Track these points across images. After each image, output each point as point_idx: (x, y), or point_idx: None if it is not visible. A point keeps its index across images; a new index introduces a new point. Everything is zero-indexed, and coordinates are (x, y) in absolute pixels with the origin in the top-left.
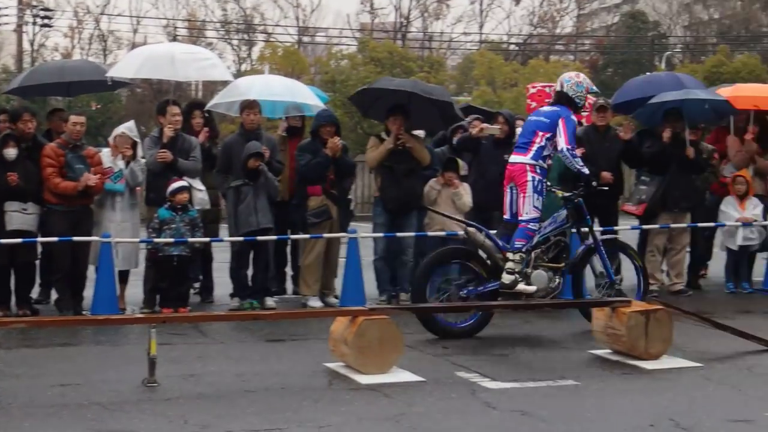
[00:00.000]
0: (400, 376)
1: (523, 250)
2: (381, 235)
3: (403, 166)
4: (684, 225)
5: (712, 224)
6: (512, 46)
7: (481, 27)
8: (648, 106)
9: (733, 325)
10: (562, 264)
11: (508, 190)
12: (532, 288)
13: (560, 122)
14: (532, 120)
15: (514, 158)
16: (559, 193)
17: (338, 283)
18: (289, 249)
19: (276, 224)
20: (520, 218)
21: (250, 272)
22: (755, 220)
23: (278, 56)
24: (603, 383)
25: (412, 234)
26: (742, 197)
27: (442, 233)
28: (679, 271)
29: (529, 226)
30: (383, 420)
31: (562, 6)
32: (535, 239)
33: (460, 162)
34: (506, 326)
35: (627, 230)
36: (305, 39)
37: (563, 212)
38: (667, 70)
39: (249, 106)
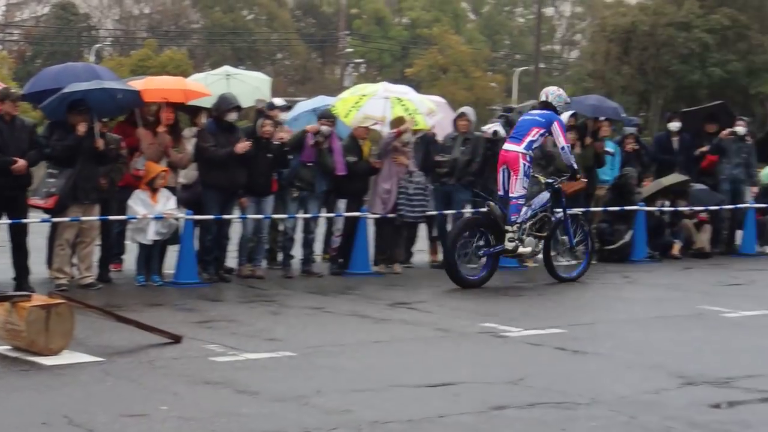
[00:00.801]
0: None
1: (518, 222)
2: None
3: None
4: (95, 218)
5: (123, 217)
6: None
7: None
8: (54, 97)
9: (140, 318)
10: (545, 233)
11: (502, 172)
12: (528, 249)
13: (556, 125)
14: (527, 119)
15: (508, 146)
16: (542, 179)
17: None
18: None
19: None
20: (511, 195)
21: None
22: (176, 218)
23: None
24: None
25: None
26: (155, 190)
27: None
28: (88, 264)
29: (518, 202)
30: None
31: None
32: (529, 213)
33: None
34: None
35: (37, 223)
36: None
37: (546, 194)
38: (96, 63)
39: None
